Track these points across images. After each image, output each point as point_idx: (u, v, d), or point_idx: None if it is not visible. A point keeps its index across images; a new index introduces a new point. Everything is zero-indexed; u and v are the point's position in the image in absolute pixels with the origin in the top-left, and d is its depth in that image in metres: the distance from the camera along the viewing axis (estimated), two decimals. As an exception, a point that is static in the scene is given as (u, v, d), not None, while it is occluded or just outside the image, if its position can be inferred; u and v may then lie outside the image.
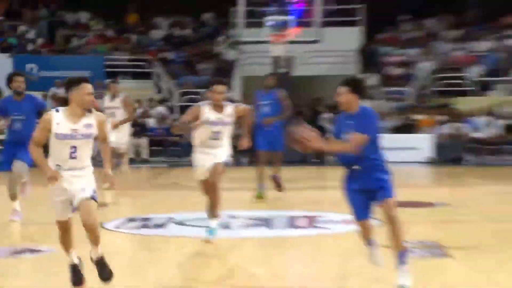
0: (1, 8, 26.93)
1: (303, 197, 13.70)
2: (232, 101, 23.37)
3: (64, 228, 5.96)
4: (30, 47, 26.80)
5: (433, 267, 7.23)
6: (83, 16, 28.59)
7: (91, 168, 6.13)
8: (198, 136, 8.35)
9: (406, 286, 5.79)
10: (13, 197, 9.80)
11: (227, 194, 11.56)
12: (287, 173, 15.86)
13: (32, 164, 8.02)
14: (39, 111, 9.12)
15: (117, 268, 6.15)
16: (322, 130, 21.58)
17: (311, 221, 10.19)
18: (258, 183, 12.64)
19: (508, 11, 26.79)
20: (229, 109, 8.37)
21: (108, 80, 15.64)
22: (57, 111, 6.05)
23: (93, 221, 5.82)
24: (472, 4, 27.72)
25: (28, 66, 21.93)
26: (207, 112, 8.24)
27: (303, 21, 24.46)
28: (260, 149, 12.56)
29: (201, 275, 7.12)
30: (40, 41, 27.13)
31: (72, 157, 5.97)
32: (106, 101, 12.57)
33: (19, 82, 9.45)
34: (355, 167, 5.89)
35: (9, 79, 9.62)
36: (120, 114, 12.53)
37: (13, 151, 9.26)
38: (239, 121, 8.66)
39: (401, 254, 5.95)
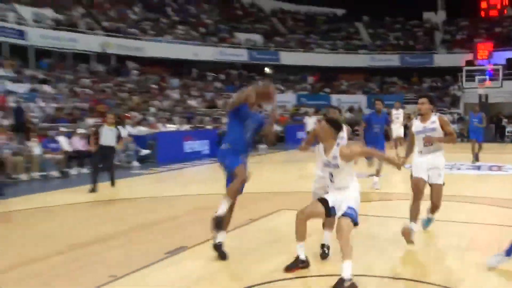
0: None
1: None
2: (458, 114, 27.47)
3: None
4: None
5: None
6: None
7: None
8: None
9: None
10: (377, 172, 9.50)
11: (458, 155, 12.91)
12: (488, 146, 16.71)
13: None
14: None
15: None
16: (503, 128, 26.91)
17: (499, 168, 11.92)
18: (473, 154, 14.09)
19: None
20: (433, 118, 6.03)
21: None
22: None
23: (341, 236, 4.43)
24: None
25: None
26: (415, 123, 6.14)
27: (492, 78, 27.72)
28: (471, 138, 14.45)
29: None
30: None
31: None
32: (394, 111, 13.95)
33: (379, 105, 9.45)
34: None
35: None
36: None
37: None
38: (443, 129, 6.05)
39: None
